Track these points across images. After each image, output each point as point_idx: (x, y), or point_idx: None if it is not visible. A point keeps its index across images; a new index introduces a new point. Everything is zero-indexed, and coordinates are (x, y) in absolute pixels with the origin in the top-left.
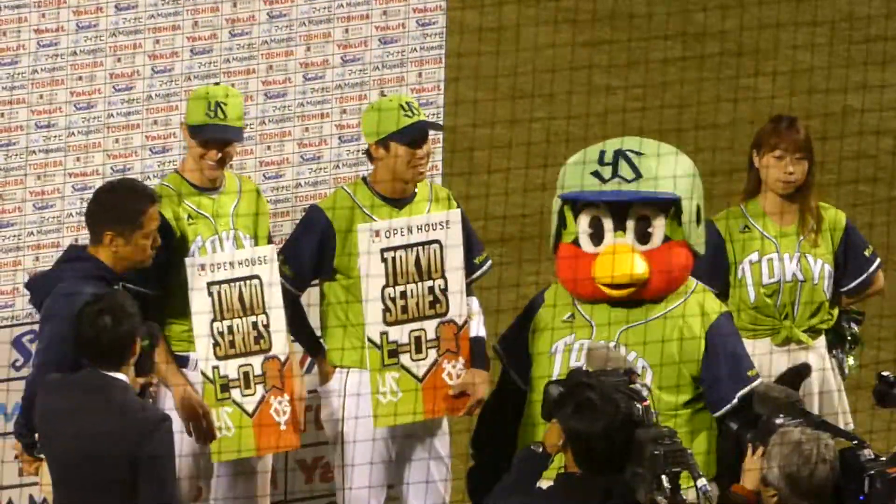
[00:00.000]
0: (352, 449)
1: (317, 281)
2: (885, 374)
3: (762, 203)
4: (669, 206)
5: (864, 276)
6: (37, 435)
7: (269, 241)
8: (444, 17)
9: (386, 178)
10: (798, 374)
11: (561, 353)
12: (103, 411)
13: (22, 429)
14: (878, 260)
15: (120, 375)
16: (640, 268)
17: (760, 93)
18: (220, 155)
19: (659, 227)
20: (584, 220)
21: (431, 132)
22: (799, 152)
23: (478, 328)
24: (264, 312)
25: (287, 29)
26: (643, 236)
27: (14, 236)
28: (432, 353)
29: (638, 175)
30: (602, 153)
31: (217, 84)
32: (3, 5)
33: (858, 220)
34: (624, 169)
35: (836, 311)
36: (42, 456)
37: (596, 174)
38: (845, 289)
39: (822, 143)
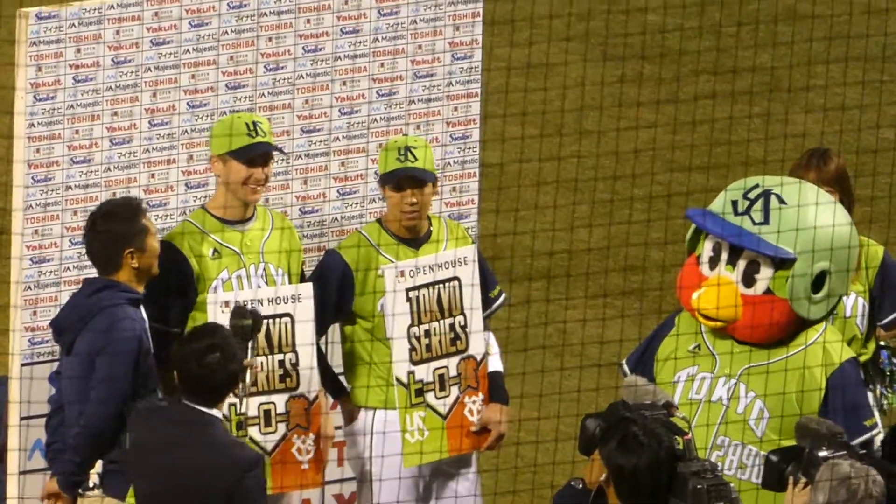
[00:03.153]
0: (379, 488)
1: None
2: None
3: None
4: (784, 262)
5: None
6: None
7: (302, 279)
8: (479, 52)
9: (390, 217)
10: None
11: (683, 382)
12: (201, 446)
13: (75, 468)
14: None
15: (214, 412)
16: (725, 304)
17: (810, 129)
18: (264, 176)
19: (764, 277)
20: (709, 243)
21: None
22: (827, 185)
23: (496, 363)
24: (293, 351)
25: (323, 63)
26: (748, 279)
27: (51, 272)
28: (454, 390)
29: (765, 221)
30: (755, 186)
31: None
32: (40, 40)
33: None
34: (757, 210)
35: (871, 346)
36: (84, 493)
37: (734, 203)
38: (882, 322)
39: (872, 178)
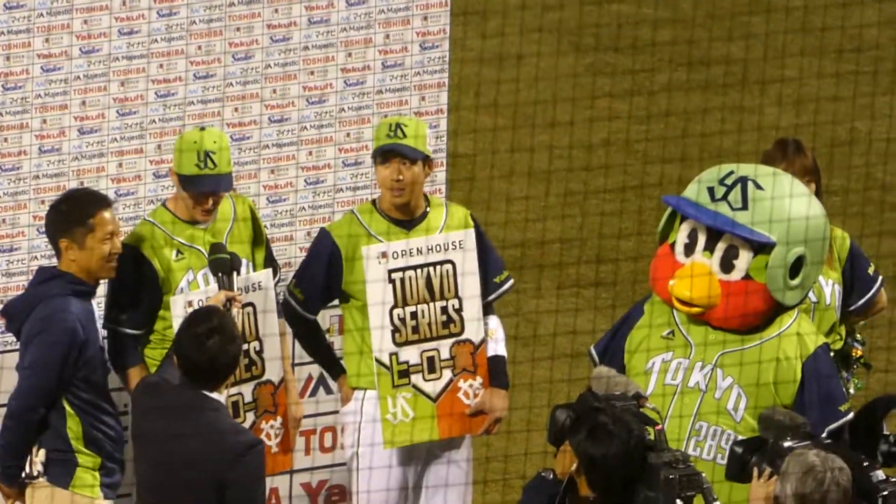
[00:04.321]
0: (367, 475)
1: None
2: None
3: None
4: (763, 247)
5: (870, 294)
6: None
7: (267, 266)
8: (447, 42)
9: (382, 198)
10: None
11: (657, 371)
12: (196, 434)
13: (8, 458)
14: (881, 278)
15: (216, 396)
16: (701, 293)
17: (783, 121)
18: (211, 202)
19: (743, 263)
20: (684, 229)
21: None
22: (807, 175)
23: (497, 347)
24: (257, 339)
25: (291, 53)
26: (727, 265)
27: (20, 261)
28: (447, 373)
29: (743, 207)
30: (730, 173)
31: (203, 129)
32: (8, 30)
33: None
34: (735, 196)
35: (842, 330)
36: (28, 481)
37: (710, 190)
38: (852, 307)
39: (848, 170)
